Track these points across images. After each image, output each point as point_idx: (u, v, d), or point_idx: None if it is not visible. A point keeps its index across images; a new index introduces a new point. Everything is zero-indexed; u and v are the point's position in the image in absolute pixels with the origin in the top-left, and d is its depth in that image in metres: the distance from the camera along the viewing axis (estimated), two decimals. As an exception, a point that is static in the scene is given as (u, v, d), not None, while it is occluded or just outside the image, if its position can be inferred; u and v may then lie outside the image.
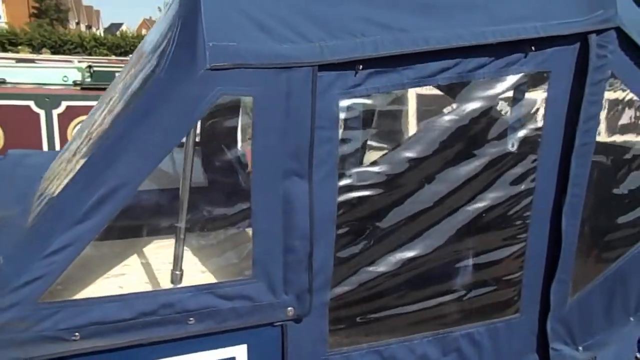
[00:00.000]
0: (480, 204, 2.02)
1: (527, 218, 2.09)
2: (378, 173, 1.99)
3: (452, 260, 2.10)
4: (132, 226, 2.12)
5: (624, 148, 2.38)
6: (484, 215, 2.01)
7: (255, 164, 1.61)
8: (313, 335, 1.79)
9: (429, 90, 2.74)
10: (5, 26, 28.31)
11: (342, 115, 1.75)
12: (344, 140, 2.09)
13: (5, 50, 21.13)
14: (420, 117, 2.96)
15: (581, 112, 2.00)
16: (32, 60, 11.45)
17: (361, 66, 1.66)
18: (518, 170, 2.03)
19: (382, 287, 1.95)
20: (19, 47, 21.12)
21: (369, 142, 2.62)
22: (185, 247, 2.10)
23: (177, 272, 1.65)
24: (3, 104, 6.70)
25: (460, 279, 2.10)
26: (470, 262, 2.11)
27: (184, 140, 1.59)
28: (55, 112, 6.41)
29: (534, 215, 2.07)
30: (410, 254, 1.95)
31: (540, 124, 2.03)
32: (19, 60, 11.38)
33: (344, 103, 1.81)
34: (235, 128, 2.71)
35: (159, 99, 1.51)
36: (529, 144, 2.06)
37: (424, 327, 1.97)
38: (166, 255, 1.92)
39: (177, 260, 1.64)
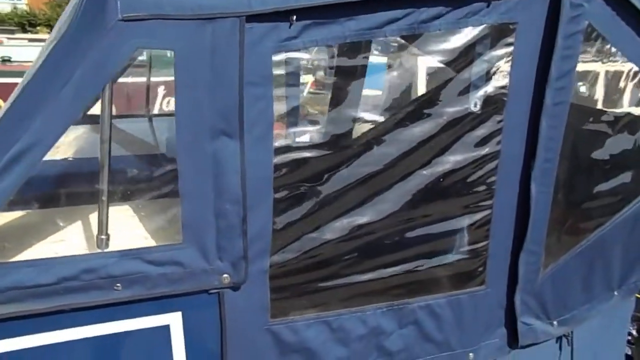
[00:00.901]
0: (438, 168, 1.89)
1: (492, 184, 1.95)
2: (321, 133, 1.88)
3: (408, 228, 1.98)
4: (77, 193, 2.07)
5: (603, 111, 2.20)
6: (441, 180, 1.89)
7: (180, 123, 1.51)
8: (253, 304, 1.71)
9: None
10: (26, 8, 28.70)
11: (279, 71, 1.64)
12: (280, 98, 1.97)
13: (25, 31, 21.41)
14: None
15: (552, 68, 1.83)
16: (44, 40, 11.57)
17: (295, 17, 1.54)
18: (481, 131, 1.89)
19: (329, 255, 1.85)
20: (38, 28, 21.38)
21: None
22: (132, 214, 2.05)
23: (103, 237, 1.58)
24: (7, 81, 6.79)
25: (417, 247, 1.98)
26: (429, 230, 1.99)
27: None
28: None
29: (500, 180, 1.93)
30: (360, 220, 1.84)
31: (505, 81, 1.88)
32: (31, 40, 11.49)
33: (279, 57, 1.69)
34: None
35: (69, 53, 1.41)
36: (493, 104, 1.91)
37: (377, 298, 1.87)
38: (112, 221, 1.88)
39: (102, 224, 1.57)
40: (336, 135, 1.94)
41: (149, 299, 1.60)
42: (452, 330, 1.99)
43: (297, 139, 1.91)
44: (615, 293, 2.40)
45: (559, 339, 2.29)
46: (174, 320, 1.65)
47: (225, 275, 1.64)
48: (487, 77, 1.96)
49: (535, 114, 1.87)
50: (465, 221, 1.93)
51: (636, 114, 2.23)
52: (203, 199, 1.57)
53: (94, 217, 2.01)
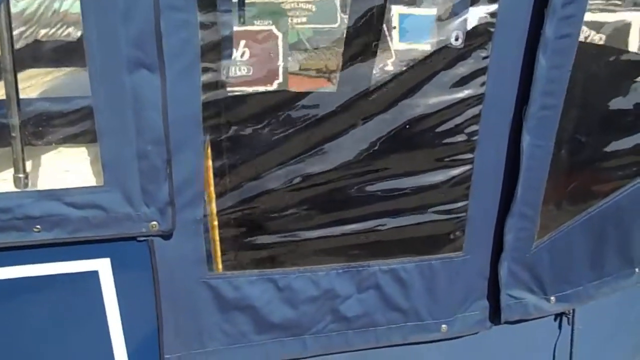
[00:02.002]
0: (405, 112, 1.62)
1: (474, 134, 1.67)
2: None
3: (369, 180, 1.74)
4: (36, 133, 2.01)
5: (627, 51, 1.79)
6: (408, 126, 1.62)
7: (91, 54, 1.35)
8: (186, 255, 1.58)
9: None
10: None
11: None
12: (207, 26, 1.73)
13: None
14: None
15: None
16: None
17: None
18: (461, 70, 1.59)
19: (274, 207, 1.67)
20: None
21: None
22: (83, 157, 1.97)
23: (20, 176, 1.49)
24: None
25: (380, 204, 1.75)
26: (394, 184, 1.74)
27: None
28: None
29: (484, 130, 1.63)
30: (310, 168, 1.63)
31: (494, 7, 1.55)
32: None
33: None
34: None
35: None
36: (477, 36, 1.59)
37: (331, 258, 1.69)
38: (65, 162, 1.80)
39: (18, 162, 1.49)
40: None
41: (73, 243, 1.52)
42: (421, 299, 1.77)
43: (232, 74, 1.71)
44: (637, 270, 2.07)
45: (557, 316, 2.02)
46: (102, 267, 1.56)
47: (153, 223, 1.51)
48: (470, 1, 1.63)
49: (533, 48, 1.55)
50: (439, 177, 1.67)
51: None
52: (123, 138, 1.43)
53: (52, 156, 1.96)
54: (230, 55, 2.08)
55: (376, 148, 1.65)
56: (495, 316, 1.84)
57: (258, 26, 6.45)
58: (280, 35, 6.89)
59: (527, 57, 1.54)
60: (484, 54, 1.55)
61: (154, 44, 1.35)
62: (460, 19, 1.58)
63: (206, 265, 1.59)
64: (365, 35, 2.04)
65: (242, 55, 6.75)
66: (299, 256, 1.65)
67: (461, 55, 1.56)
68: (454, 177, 1.65)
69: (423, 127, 1.63)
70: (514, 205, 1.67)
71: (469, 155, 1.64)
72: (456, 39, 1.60)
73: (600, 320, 2.10)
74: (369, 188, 1.74)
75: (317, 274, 1.67)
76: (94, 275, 1.56)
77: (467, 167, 1.65)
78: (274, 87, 6.47)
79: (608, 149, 1.89)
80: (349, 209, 1.72)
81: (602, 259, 1.94)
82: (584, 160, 1.87)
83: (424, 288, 1.76)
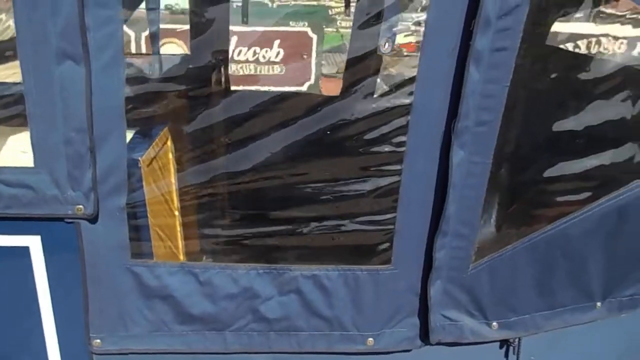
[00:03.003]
0: (328, 118, 1.59)
1: (401, 145, 1.61)
2: (179, 64, 1.68)
3: (291, 185, 1.72)
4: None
5: (585, 57, 1.64)
6: (329, 132, 1.59)
7: (21, 44, 1.45)
8: (111, 240, 1.65)
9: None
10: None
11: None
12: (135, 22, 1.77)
13: None
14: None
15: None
16: None
17: None
18: (389, 78, 1.55)
19: (197, 201, 1.70)
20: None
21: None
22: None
23: None
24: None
25: (303, 208, 1.72)
26: (318, 190, 1.71)
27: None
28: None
29: (412, 141, 1.57)
30: (229, 167, 1.64)
31: (423, 15, 1.50)
32: None
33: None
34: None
35: None
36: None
37: (253, 258, 1.69)
38: (24, 144, 1.91)
39: None
40: (198, 68, 1.73)
41: (6, 219, 1.63)
42: (345, 309, 1.73)
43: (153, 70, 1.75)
44: (599, 304, 1.91)
45: (503, 344, 1.90)
46: (33, 243, 1.67)
47: (79, 206, 1.60)
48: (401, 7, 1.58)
49: (464, 56, 1.48)
50: (367, 186, 1.63)
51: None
52: (51, 124, 1.52)
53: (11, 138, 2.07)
54: (158, 51, 2.16)
55: (300, 151, 1.64)
56: (423, 335, 1.77)
57: (293, 27, 6.54)
58: (315, 37, 6.94)
59: (461, 70, 1.48)
60: (412, 63, 1.51)
61: (78, 37, 1.44)
62: (388, 25, 1.54)
63: (129, 251, 1.66)
64: None
65: (276, 55, 6.87)
66: (218, 252, 1.67)
67: (389, 63, 1.52)
68: (381, 188, 1.62)
69: (348, 134, 1.60)
70: (442, 223, 1.60)
71: (397, 167, 1.60)
72: (385, 46, 1.57)
73: (559, 353, 1.96)
74: (292, 192, 1.73)
75: (237, 271, 1.69)
76: (24, 250, 1.67)
77: (395, 178, 1.61)
78: (304, 88, 6.52)
79: (555, 171, 1.76)
80: (271, 210, 1.73)
81: (553, 289, 1.80)
82: (528, 181, 1.75)
83: (348, 298, 1.73)
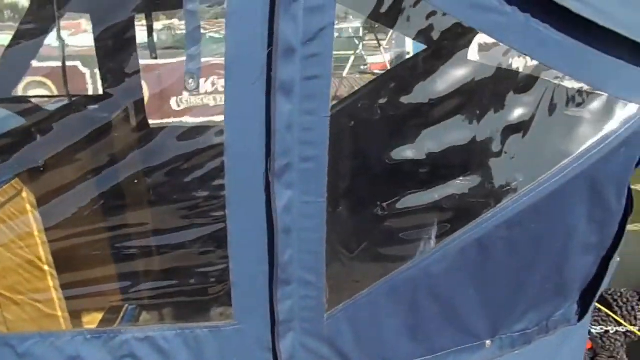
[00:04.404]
0: (136, 162, 1.43)
1: (220, 188, 1.45)
2: None
3: (106, 237, 1.55)
4: None
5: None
6: (137, 180, 1.43)
7: None
8: None
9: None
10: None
11: None
12: None
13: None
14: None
15: (281, 26, 1.26)
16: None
17: None
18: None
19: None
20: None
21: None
22: None
23: None
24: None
25: (126, 264, 1.56)
26: (137, 242, 1.55)
27: None
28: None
29: (232, 184, 1.41)
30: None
31: (222, 48, 1.35)
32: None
33: None
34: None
35: None
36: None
37: (77, 321, 1.52)
38: None
39: None
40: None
41: None
42: None
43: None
44: (488, 343, 1.73)
45: None
46: None
47: None
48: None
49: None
50: (190, 235, 1.46)
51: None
52: None
53: None
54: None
55: (115, 200, 1.48)
56: None
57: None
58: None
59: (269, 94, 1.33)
60: (219, 98, 1.36)
61: None
62: (190, 57, 1.40)
63: None
64: None
65: (212, 85, 6.70)
66: (36, 317, 1.51)
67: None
68: (208, 237, 1.45)
69: (162, 181, 1.45)
70: (278, 271, 1.44)
71: (221, 213, 1.44)
72: (190, 83, 1.42)
73: None
74: (107, 245, 1.57)
75: (60, 339, 1.53)
76: None
77: (220, 225, 1.46)
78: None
79: (403, 204, 1.60)
80: (87, 268, 1.56)
81: (428, 332, 1.63)
82: (376, 217, 1.59)
83: None
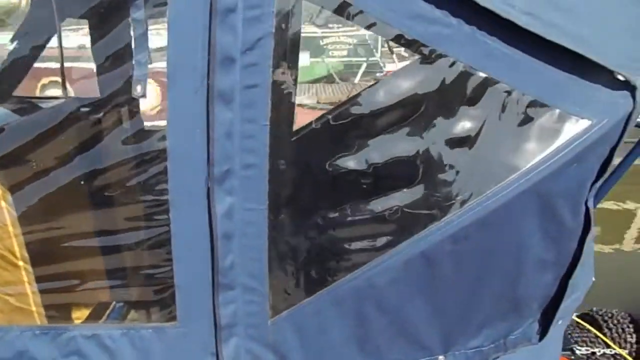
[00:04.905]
0: (75, 164, 1.46)
1: (163, 192, 1.47)
2: None
3: (52, 236, 1.58)
4: None
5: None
6: (83, 182, 1.46)
7: None
8: None
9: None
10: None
11: None
12: None
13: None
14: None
15: (218, 36, 1.27)
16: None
17: None
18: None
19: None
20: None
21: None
22: None
23: None
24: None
25: (72, 263, 1.59)
26: (81, 242, 1.57)
27: None
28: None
29: (174, 188, 1.44)
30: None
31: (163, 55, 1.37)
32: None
33: None
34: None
35: None
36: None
37: (24, 317, 1.56)
38: None
39: None
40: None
41: None
42: None
43: None
44: (441, 358, 1.69)
45: None
46: None
47: None
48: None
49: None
50: (135, 238, 1.49)
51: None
52: None
53: None
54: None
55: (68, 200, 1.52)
56: None
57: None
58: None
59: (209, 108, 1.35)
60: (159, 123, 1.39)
61: None
62: (140, 68, 1.43)
63: None
64: None
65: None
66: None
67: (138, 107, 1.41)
68: (151, 239, 1.48)
69: (106, 183, 1.48)
70: (219, 277, 1.45)
71: (165, 216, 1.47)
72: (137, 89, 1.45)
73: None
74: (56, 243, 1.61)
75: (10, 333, 1.57)
76: None
77: (165, 228, 1.48)
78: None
79: (344, 215, 1.58)
80: (44, 265, 1.61)
81: (377, 343, 1.61)
82: (317, 228, 1.58)
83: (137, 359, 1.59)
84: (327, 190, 1.65)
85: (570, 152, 1.42)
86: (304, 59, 8.57)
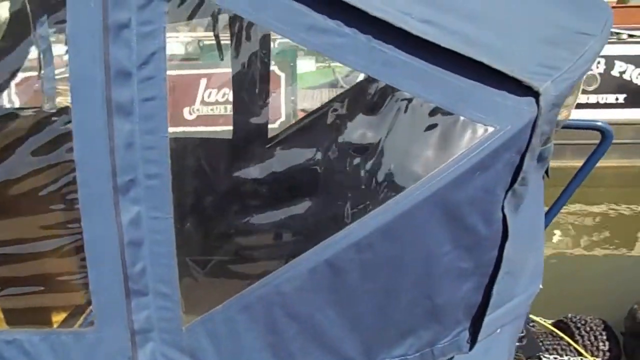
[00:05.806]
0: None
1: (74, 202, 1.51)
2: None
3: None
4: None
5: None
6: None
7: None
8: None
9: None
10: None
11: None
12: None
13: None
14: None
15: (112, 52, 1.30)
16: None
17: None
18: (47, 136, 1.45)
19: None
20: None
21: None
22: None
23: None
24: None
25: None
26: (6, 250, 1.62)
27: None
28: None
29: (84, 197, 1.47)
30: None
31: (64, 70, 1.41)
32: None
33: None
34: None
35: None
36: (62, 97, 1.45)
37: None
38: None
39: None
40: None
41: None
42: None
43: None
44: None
45: None
46: None
47: None
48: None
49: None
50: (50, 245, 1.53)
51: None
52: None
53: None
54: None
55: None
56: None
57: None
58: (283, 75, 7.02)
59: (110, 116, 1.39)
60: (67, 119, 1.43)
61: None
62: (48, 82, 1.48)
63: None
64: None
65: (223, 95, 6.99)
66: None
67: (47, 119, 1.45)
68: (65, 246, 1.53)
69: (16, 193, 1.53)
70: (130, 283, 1.48)
71: (77, 225, 1.51)
72: (48, 102, 1.50)
73: None
74: None
75: None
76: None
77: (77, 236, 1.52)
78: (276, 125, 6.56)
79: (247, 223, 1.58)
80: None
81: (291, 351, 1.60)
82: (223, 235, 1.59)
83: None
84: (232, 199, 1.67)
85: (473, 158, 1.40)
86: (310, 65, 8.64)
